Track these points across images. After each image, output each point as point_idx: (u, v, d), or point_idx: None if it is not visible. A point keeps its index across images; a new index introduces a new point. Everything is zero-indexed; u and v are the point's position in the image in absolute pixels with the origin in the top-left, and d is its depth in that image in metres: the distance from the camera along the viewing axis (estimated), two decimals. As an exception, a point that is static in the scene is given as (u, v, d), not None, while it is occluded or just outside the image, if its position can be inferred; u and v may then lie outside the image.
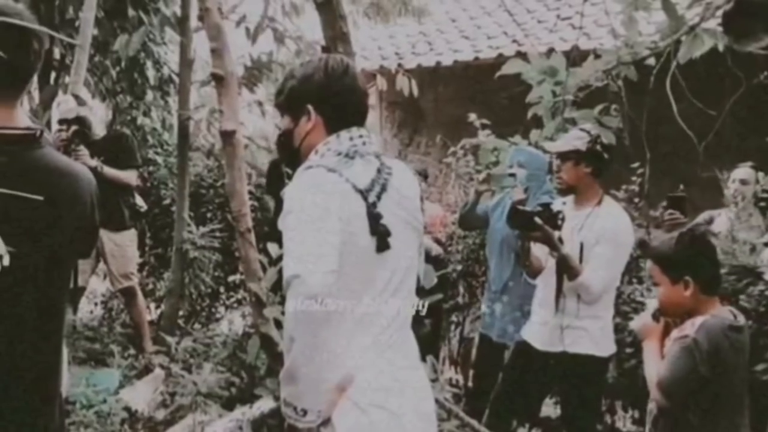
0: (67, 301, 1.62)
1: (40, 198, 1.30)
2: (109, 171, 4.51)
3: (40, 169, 1.46)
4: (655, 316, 2.51)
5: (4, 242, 1.05)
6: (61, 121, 4.60)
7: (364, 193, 1.72)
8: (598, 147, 3.08)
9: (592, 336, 3.05)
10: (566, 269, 3.03)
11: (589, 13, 5.51)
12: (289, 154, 1.91)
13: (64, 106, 4.63)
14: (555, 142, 3.27)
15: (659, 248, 2.48)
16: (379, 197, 1.74)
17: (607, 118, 3.26)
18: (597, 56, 2.85)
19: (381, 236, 1.72)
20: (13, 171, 1.39)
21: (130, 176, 4.74)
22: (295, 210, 1.65)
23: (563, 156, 3.17)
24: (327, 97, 1.80)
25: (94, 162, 4.37)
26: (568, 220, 3.03)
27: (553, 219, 2.97)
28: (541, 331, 3.17)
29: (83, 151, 4.38)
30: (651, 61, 2.80)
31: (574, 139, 3.12)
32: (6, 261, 1.05)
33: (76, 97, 4.69)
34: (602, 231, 3.04)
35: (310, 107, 1.80)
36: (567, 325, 3.04)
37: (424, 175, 5.61)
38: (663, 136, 3.66)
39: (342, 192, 1.69)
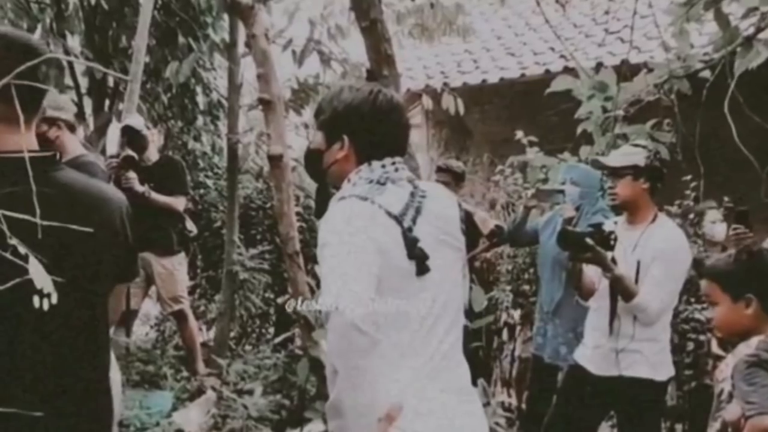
0: (107, 323, 1.59)
1: (53, 223, 1.26)
2: (157, 197, 4.55)
3: (59, 191, 1.44)
4: None
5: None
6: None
7: (398, 218, 1.68)
8: (657, 163, 3.01)
9: (648, 359, 2.94)
10: (621, 290, 2.93)
11: (639, 26, 5.40)
12: (315, 170, 1.90)
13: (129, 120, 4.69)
14: (612, 157, 3.18)
15: (717, 266, 2.40)
16: (414, 221, 1.71)
17: (660, 132, 3.17)
18: (649, 70, 2.78)
19: (419, 260, 1.68)
20: (31, 193, 1.37)
21: (177, 202, 4.77)
22: (331, 242, 1.63)
23: (619, 171, 3.08)
24: (368, 132, 1.78)
25: (142, 188, 4.44)
26: (621, 239, 2.94)
27: (606, 240, 2.89)
28: (594, 354, 3.08)
29: (133, 177, 4.45)
30: (705, 73, 2.71)
31: (633, 154, 3.04)
32: (54, 299, 1.04)
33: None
34: (658, 249, 2.95)
35: (345, 137, 1.79)
36: (622, 349, 2.95)
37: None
38: (717, 150, 3.55)
39: (376, 219, 1.66)
